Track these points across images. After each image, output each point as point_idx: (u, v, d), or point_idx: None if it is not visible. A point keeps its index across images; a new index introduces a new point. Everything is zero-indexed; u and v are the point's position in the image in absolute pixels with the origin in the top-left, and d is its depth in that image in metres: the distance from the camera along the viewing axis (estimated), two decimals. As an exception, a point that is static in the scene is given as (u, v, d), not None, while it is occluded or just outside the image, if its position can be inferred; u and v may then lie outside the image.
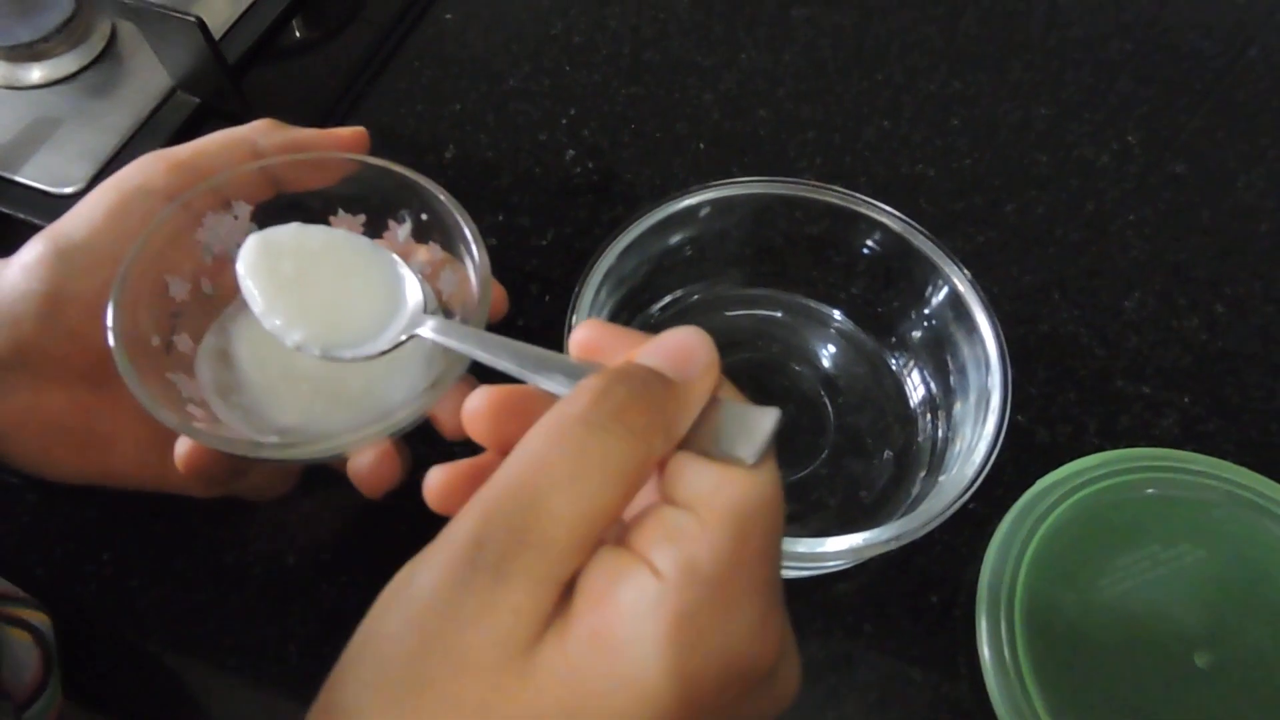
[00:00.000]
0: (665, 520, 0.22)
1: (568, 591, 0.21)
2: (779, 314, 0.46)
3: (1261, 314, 0.47)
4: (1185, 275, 0.49)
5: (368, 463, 0.32)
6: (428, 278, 0.35)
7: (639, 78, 0.56)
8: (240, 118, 0.39)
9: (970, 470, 0.35)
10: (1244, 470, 0.41)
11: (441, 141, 0.53)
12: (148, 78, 0.51)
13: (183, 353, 0.34)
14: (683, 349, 0.24)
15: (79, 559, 0.40)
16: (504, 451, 0.23)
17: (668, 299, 0.46)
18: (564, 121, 0.54)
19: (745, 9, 0.59)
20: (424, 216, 0.36)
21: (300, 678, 0.37)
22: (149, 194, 0.34)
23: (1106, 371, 0.45)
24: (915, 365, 0.43)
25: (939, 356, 0.42)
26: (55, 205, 0.46)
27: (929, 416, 0.42)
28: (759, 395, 0.25)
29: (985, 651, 0.37)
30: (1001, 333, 0.38)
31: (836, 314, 0.46)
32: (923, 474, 0.40)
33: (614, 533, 0.23)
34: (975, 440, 0.36)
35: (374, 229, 0.37)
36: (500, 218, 0.50)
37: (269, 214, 0.35)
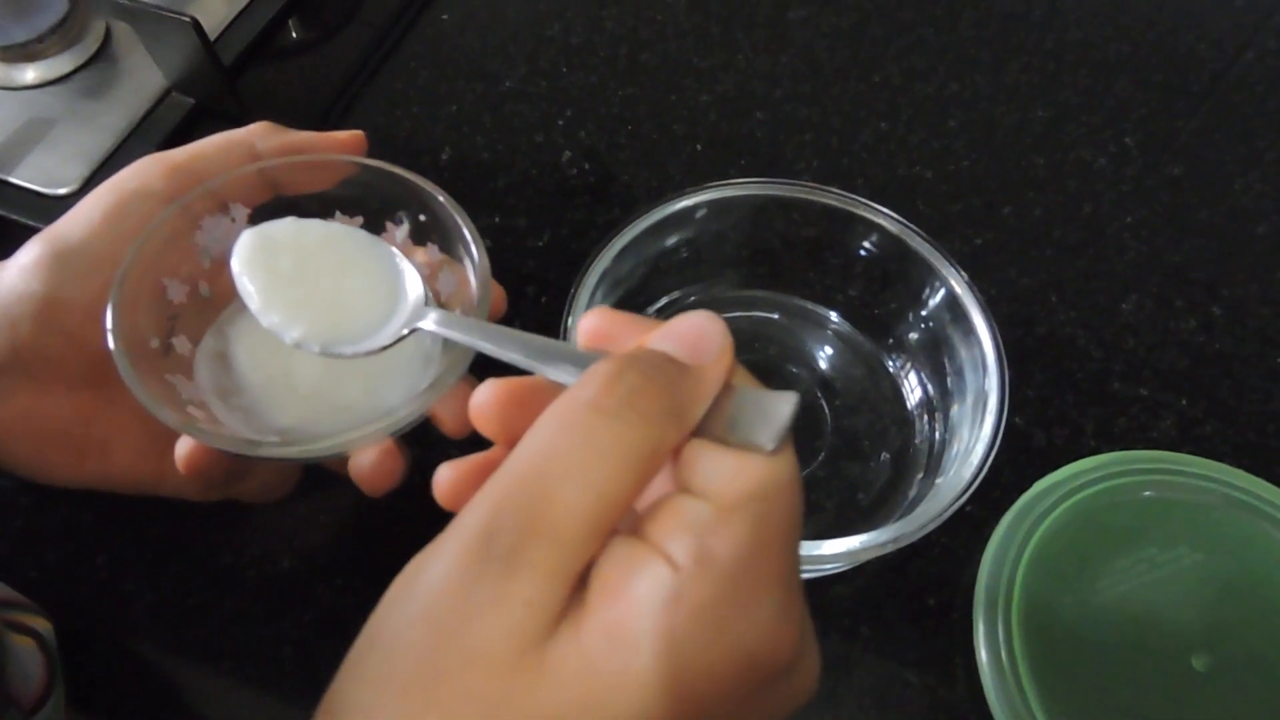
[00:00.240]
0: (681, 509, 0.21)
1: (581, 583, 0.21)
2: (776, 316, 0.46)
3: (1259, 316, 0.47)
4: (1183, 277, 0.49)
5: (369, 461, 0.32)
6: (426, 280, 0.35)
7: (636, 79, 0.55)
8: (236, 119, 0.39)
9: (968, 472, 0.35)
10: (1241, 473, 0.41)
11: (438, 143, 0.52)
12: (143, 78, 0.51)
13: (181, 355, 0.34)
14: (696, 333, 0.23)
15: (74, 562, 0.40)
16: (513, 445, 0.22)
17: (664, 301, 0.45)
18: (561, 123, 0.54)
19: (742, 11, 0.59)
20: (422, 218, 0.36)
21: (296, 680, 0.37)
22: (147, 197, 0.34)
23: (1104, 374, 0.45)
24: (912, 367, 0.43)
25: (936, 358, 0.41)
26: (49, 206, 0.46)
27: (926, 418, 0.42)
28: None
29: (983, 654, 0.37)
30: (999, 335, 0.38)
31: (833, 316, 0.46)
32: (920, 476, 0.40)
33: (628, 523, 0.22)
34: (972, 442, 0.36)
35: (372, 231, 0.36)
36: (496, 219, 0.50)
37: (266, 217, 0.35)
